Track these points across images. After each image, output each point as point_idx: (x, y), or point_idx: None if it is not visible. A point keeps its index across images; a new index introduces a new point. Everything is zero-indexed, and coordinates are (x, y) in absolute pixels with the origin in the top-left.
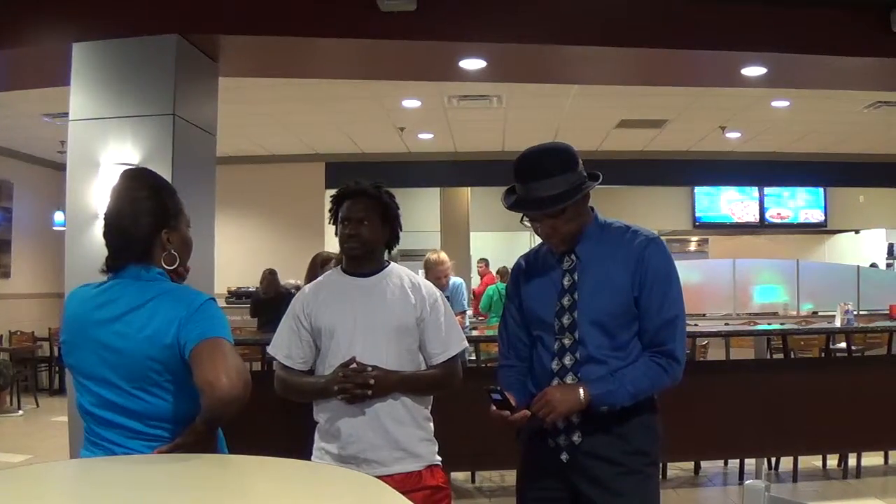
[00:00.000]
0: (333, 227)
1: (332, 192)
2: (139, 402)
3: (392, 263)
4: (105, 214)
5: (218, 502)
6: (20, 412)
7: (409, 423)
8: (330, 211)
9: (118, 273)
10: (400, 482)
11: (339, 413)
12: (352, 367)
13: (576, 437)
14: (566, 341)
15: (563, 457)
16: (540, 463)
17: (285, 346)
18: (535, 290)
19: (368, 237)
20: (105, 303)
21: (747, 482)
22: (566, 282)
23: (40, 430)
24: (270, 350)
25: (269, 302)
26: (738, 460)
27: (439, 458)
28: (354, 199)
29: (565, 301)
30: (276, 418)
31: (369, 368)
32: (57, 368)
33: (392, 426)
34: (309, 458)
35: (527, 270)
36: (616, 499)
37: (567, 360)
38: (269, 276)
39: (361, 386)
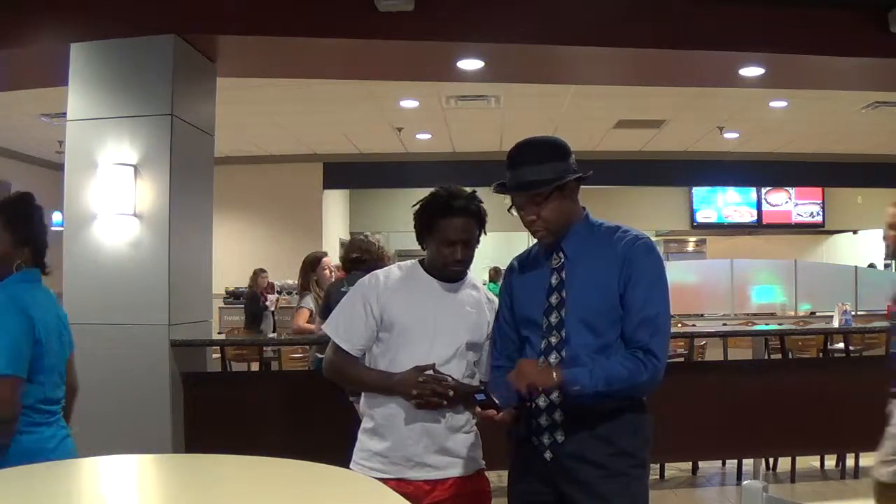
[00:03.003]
0: (425, 236)
1: (332, 191)
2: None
3: (469, 273)
4: (43, 227)
5: (217, 502)
6: None
7: (464, 430)
8: (421, 217)
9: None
10: (450, 486)
11: (396, 413)
12: (430, 373)
13: (559, 436)
14: (553, 339)
15: (547, 455)
16: (526, 463)
17: (347, 329)
18: (524, 288)
19: (471, 259)
20: (53, 300)
21: (745, 482)
22: (554, 280)
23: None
24: (328, 329)
25: (243, 300)
26: (735, 460)
27: (484, 461)
28: (463, 217)
29: (553, 299)
30: (273, 419)
31: (449, 379)
32: None
33: (449, 434)
34: (314, 459)
35: (518, 271)
36: (599, 502)
37: (552, 359)
38: (252, 275)
39: (440, 395)
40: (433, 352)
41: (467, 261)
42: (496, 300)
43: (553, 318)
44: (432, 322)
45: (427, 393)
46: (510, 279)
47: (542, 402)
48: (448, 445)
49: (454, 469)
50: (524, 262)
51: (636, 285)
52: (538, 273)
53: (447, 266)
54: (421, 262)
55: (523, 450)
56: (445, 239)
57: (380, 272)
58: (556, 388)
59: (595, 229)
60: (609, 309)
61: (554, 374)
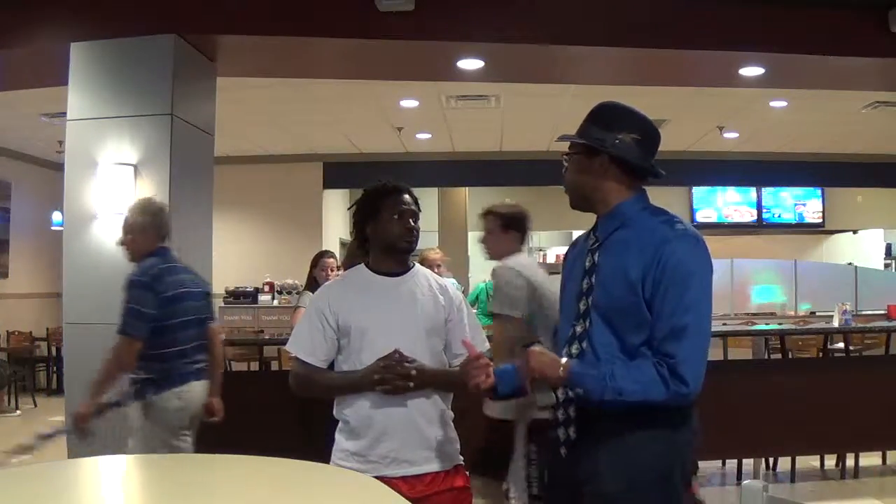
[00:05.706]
0: (370, 224)
1: (332, 191)
2: None
3: (416, 264)
4: None
5: (217, 502)
6: (18, 412)
7: (439, 422)
8: (364, 206)
9: None
10: (429, 483)
11: (370, 410)
12: (396, 356)
13: (572, 432)
14: (578, 328)
15: (563, 451)
16: (549, 458)
17: (308, 343)
18: (567, 274)
19: (418, 232)
20: None
21: (745, 482)
22: (588, 262)
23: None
24: (290, 347)
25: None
26: (735, 460)
27: (461, 457)
28: (401, 194)
29: (584, 284)
30: (273, 418)
31: (414, 361)
32: (55, 368)
33: (424, 425)
34: (314, 459)
35: (570, 252)
36: None
37: (574, 349)
38: None
39: (403, 377)
40: (393, 346)
41: (417, 232)
42: (448, 285)
43: (582, 305)
44: (386, 318)
45: (390, 376)
46: (564, 262)
47: (560, 393)
48: (423, 439)
49: (431, 464)
50: (575, 244)
51: (666, 290)
52: (580, 256)
53: (402, 238)
54: (366, 264)
55: (552, 444)
56: (395, 211)
57: (328, 283)
58: (561, 385)
59: (641, 214)
60: (630, 309)
61: (561, 368)
